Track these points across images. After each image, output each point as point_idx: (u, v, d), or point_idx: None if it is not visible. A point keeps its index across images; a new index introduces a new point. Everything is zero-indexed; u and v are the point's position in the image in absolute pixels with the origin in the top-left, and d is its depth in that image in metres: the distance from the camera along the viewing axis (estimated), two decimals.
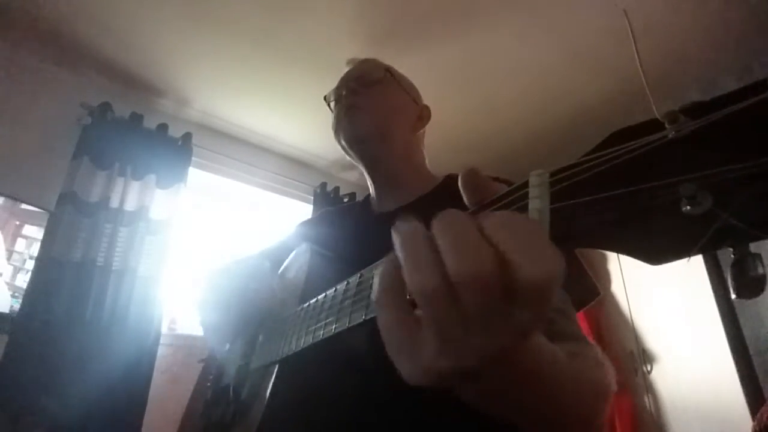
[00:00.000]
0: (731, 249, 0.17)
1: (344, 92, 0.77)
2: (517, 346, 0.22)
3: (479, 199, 0.28)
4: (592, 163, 0.21)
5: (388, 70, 0.80)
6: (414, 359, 0.24)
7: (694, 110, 0.18)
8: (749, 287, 0.16)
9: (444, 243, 0.22)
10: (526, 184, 0.25)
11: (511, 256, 0.20)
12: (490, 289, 0.20)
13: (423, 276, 0.22)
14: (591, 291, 0.61)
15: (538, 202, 0.23)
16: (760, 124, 0.16)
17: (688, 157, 0.17)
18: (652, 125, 0.20)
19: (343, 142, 0.76)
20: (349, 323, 0.41)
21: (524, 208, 0.24)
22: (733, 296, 0.17)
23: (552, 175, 0.24)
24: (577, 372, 0.37)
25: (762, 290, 0.16)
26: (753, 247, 0.17)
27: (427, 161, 0.85)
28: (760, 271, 0.16)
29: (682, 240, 0.18)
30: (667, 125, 0.18)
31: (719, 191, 0.16)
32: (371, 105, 0.75)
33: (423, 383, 0.25)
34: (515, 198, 0.25)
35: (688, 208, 0.17)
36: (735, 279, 0.16)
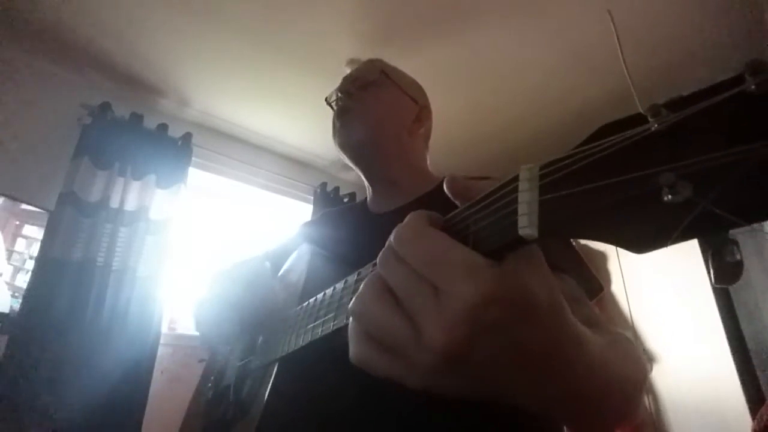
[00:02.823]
0: (710, 237, 0.17)
1: (338, 94, 0.78)
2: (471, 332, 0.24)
3: (467, 200, 0.29)
4: (580, 156, 0.22)
5: (383, 71, 0.79)
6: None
7: (676, 104, 0.18)
8: (727, 273, 0.17)
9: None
10: (516, 178, 0.25)
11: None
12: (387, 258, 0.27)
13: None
14: (595, 286, 0.61)
15: (527, 195, 0.24)
16: (736, 116, 0.16)
17: (670, 147, 0.18)
18: (638, 119, 0.20)
19: (337, 148, 0.77)
20: (347, 319, 0.42)
21: (514, 201, 0.25)
22: (713, 283, 0.18)
23: (542, 168, 0.24)
24: (618, 357, 0.37)
25: (739, 276, 0.17)
26: (732, 234, 0.17)
27: (428, 161, 0.85)
28: (737, 257, 0.16)
29: (664, 228, 0.18)
30: (650, 118, 0.19)
31: (698, 180, 0.17)
32: (363, 108, 0.75)
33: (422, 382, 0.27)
34: (506, 192, 0.26)
35: (669, 197, 0.17)
36: (714, 265, 0.17)
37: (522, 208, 0.24)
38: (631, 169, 0.19)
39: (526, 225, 0.23)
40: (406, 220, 0.29)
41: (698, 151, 0.17)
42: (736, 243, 0.17)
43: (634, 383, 0.39)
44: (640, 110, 0.19)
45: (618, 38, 0.23)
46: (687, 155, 0.17)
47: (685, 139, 0.18)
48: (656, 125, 0.18)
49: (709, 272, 0.17)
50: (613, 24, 0.24)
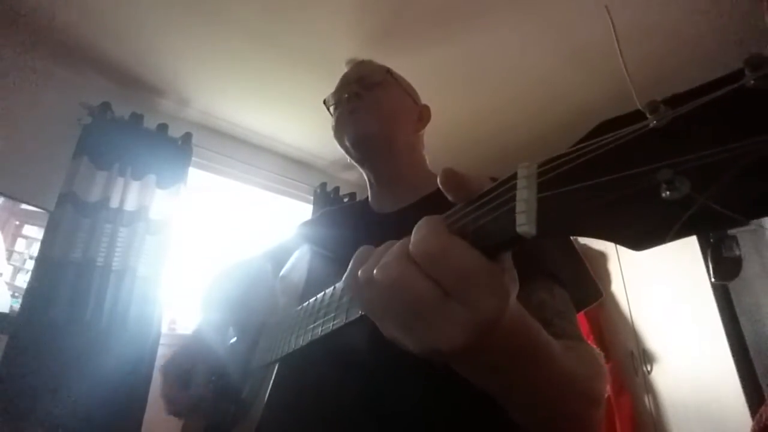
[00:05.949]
0: (709, 233, 0.17)
1: (346, 95, 0.77)
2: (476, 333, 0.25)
3: (463, 195, 0.29)
4: (578, 153, 0.22)
5: (389, 72, 0.80)
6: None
7: (674, 100, 0.18)
8: (726, 269, 0.17)
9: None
10: (514, 176, 0.25)
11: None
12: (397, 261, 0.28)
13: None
14: (593, 293, 0.61)
15: (525, 192, 0.24)
16: (734, 112, 0.16)
17: (669, 144, 0.18)
18: (637, 115, 0.20)
19: (347, 143, 0.75)
20: (346, 319, 0.42)
21: (512, 199, 0.25)
22: (712, 279, 0.17)
23: (540, 166, 0.24)
24: (572, 363, 0.38)
25: (738, 271, 0.17)
26: (731, 231, 0.17)
27: (427, 161, 0.85)
28: (737, 252, 0.16)
29: (663, 225, 0.18)
30: (648, 115, 0.19)
31: (696, 176, 0.17)
32: (374, 107, 0.75)
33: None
34: (504, 190, 0.26)
35: (667, 193, 0.17)
36: (713, 261, 0.17)
37: (520, 206, 0.24)
38: (629, 166, 0.19)
39: (524, 223, 0.23)
40: (425, 228, 0.28)
41: (696, 147, 0.17)
42: (735, 239, 0.17)
43: (586, 389, 0.41)
44: (639, 106, 0.19)
45: (615, 33, 0.23)
46: (685, 151, 0.17)
47: (684, 135, 0.18)
48: (654, 122, 0.18)
49: (708, 269, 0.17)
50: (611, 19, 0.24)
